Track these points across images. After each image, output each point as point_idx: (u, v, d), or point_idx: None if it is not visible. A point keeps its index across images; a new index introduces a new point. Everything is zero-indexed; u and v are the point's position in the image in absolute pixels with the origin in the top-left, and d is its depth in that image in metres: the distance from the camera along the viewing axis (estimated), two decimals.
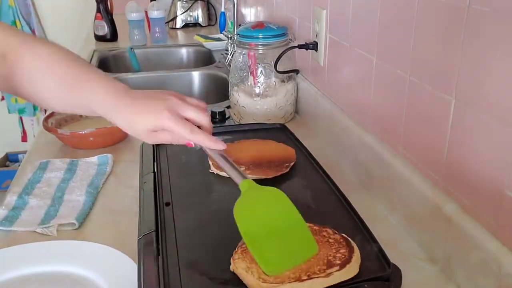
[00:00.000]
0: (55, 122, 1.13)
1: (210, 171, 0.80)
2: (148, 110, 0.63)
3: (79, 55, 0.69)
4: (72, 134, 1.04)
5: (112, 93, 0.64)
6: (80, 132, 1.03)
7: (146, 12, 2.07)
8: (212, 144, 0.64)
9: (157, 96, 0.65)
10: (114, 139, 1.09)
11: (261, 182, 0.64)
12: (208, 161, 0.81)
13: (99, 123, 1.13)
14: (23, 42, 0.66)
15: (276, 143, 0.87)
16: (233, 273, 0.56)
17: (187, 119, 0.64)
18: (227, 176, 0.65)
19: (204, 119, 0.65)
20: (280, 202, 0.61)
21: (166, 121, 0.62)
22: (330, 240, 0.59)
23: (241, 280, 0.55)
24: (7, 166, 3.04)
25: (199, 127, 0.65)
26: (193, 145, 0.65)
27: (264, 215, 0.60)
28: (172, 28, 2.38)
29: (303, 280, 0.53)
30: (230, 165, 0.64)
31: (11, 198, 0.84)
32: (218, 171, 0.78)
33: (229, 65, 1.49)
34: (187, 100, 0.66)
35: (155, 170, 0.81)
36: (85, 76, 0.65)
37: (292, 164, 0.80)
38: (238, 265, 0.56)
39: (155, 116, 0.63)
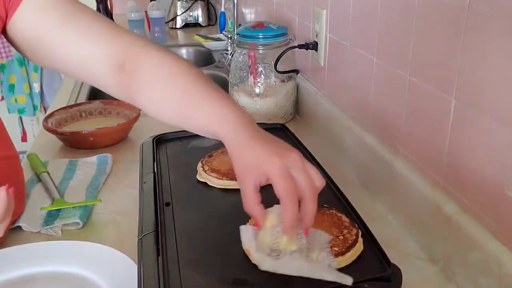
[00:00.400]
0: (55, 122, 1.13)
1: (197, 178, 0.79)
2: (268, 149, 0.56)
3: (200, 70, 0.67)
4: (72, 134, 1.04)
5: (239, 120, 0.60)
6: (80, 132, 1.03)
7: (146, 12, 2.07)
8: (288, 225, 0.55)
9: (282, 145, 0.59)
10: (114, 139, 1.09)
11: None
12: (197, 168, 0.81)
13: (99, 123, 1.13)
14: (143, 51, 0.66)
15: None
16: (234, 273, 0.56)
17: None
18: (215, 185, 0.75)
19: (311, 196, 0.55)
20: None
21: (276, 169, 0.54)
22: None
23: (241, 280, 0.55)
24: None
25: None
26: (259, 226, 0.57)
27: None
28: (172, 28, 2.38)
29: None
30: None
31: None
32: (206, 180, 0.78)
33: (229, 65, 1.49)
34: (306, 166, 0.57)
35: (155, 170, 0.81)
36: (208, 95, 0.63)
37: None
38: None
39: (269, 156, 0.55)
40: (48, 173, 0.91)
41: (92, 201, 0.82)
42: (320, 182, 0.57)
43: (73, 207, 0.81)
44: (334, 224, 0.63)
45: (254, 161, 0.56)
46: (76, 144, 1.06)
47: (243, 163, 0.57)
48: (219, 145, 0.88)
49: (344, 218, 0.64)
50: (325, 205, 0.67)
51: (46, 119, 1.11)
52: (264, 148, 0.56)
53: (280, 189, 0.54)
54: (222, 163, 0.80)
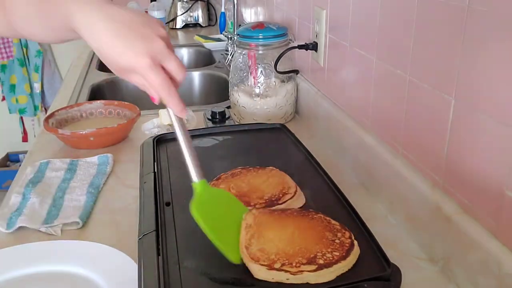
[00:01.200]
0: (55, 122, 1.13)
1: None
2: (130, 46, 0.54)
3: None
4: (73, 134, 1.04)
5: (91, 4, 0.55)
6: (81, 132, 1.04)
7: (146, 12, 2.07)
8: (179, 111, 0.58)
9: (145, 32, 0.55)
10: (114, 139, 1.09)
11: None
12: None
13: (100, 123, 1.13)
14: None
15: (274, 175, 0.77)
16: (233, 273, 0.56)
17: (165, 69, 0.57)
18: None
19: (181, 76, 0.58)
20: (230, 200, 0.66)
21: (145, 68, 0.54)
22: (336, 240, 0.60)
23: (240, 280, 0.55)
24: (8, 166, 3.04)
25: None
26: (156, 101, 0.59)
27: (219, 212, 0.63)
28: (172, 28, 2.38)
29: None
30: (193, 158, 0.61)
31: (16, 199, 0.84)
32: None
33: (229, 65, 1.49)
34: (172, 49, 0.58)
35: (155, 170, 0.81)
36: None
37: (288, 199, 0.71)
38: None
39: (135, 57, 0.54)
40: None
41: None
42: (183, 69, 0.58)
43: (73, 207, 0.81)
44: (326, 228, 0.62)
45: (121, 62, 0.55)
46: (76, 144, 1.07)
47: (112, 62, 0.56)
48: (218, 146, 0.88)
49: (333, 221, 0.63)
50: (311, 210, 0.66)
51: (46, 119, 1.11)
52: (130, 44, 0.54)
53: (154, 84, 0.55)
54: (230, 188, 0.73)
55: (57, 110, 1.16)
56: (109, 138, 1.07)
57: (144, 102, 1.23)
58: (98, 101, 1.22)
